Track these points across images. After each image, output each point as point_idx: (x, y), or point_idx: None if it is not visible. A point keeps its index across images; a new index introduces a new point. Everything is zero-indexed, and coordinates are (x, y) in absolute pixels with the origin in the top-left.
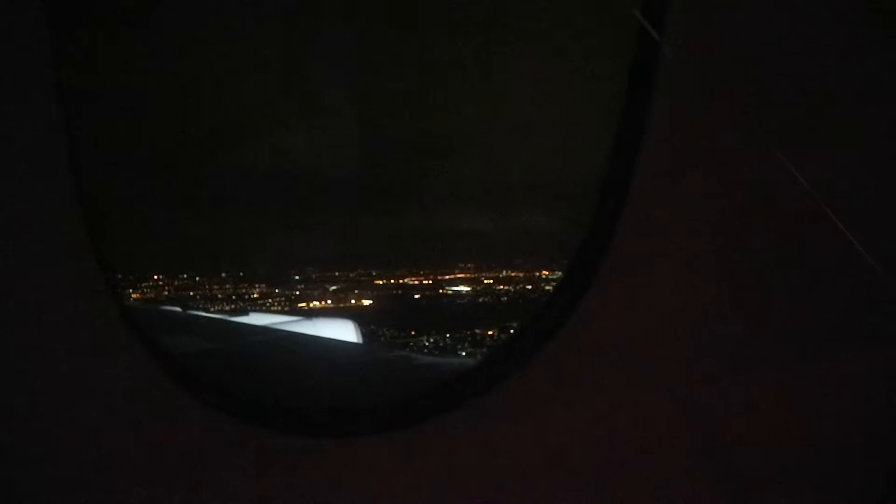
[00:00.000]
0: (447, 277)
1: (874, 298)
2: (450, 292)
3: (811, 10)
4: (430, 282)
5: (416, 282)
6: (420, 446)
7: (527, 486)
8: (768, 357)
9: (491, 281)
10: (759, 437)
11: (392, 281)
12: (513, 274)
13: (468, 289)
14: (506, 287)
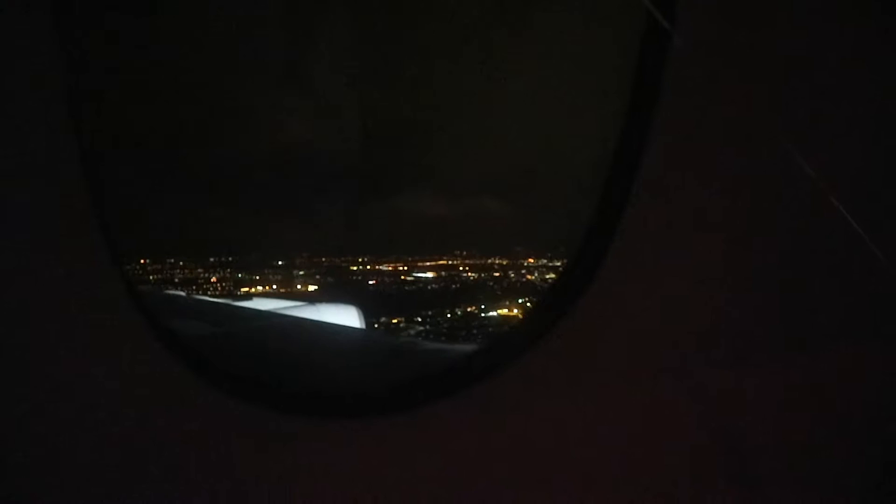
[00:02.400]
0: (427, 264)
1: (878, 293)
2: (409, 279)
3: (816, 5)
4: (405, 267)
5: (390, 268)
6: (423, 430)
7: (527, 472)
8: (771, 351)
9: (466, 268)
10: (761, 430)
11: (369, 268)
12: (498, 261)
13: (432, 276)
14: (473, 274)
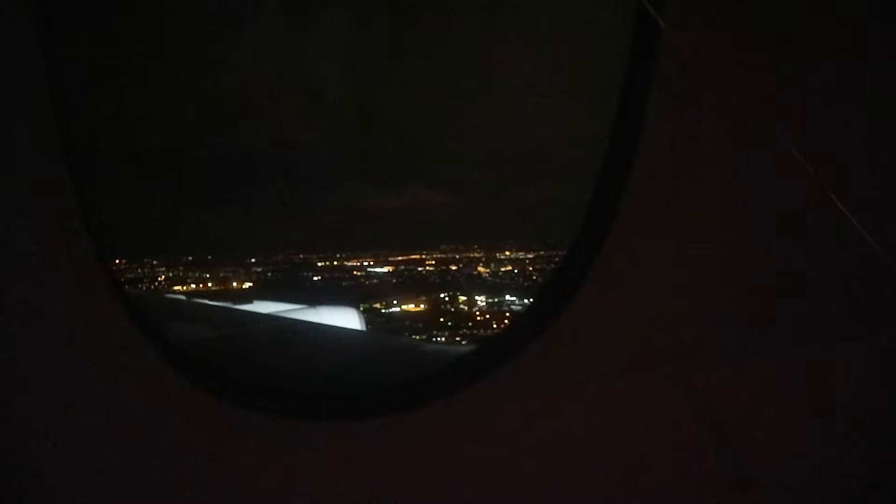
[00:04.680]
0: (399, 259)
1: (875, 294)
2: (359, 274)
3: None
4: (371, 262)
5: (356, 263)
6: (421, 430)
7: (525, 471)
8: (767, 351)
9: (431, 262)
10: (757, 430)
11: (336, 264)
12: (475, 255)
13: (387, 270)
14: (431, 269)
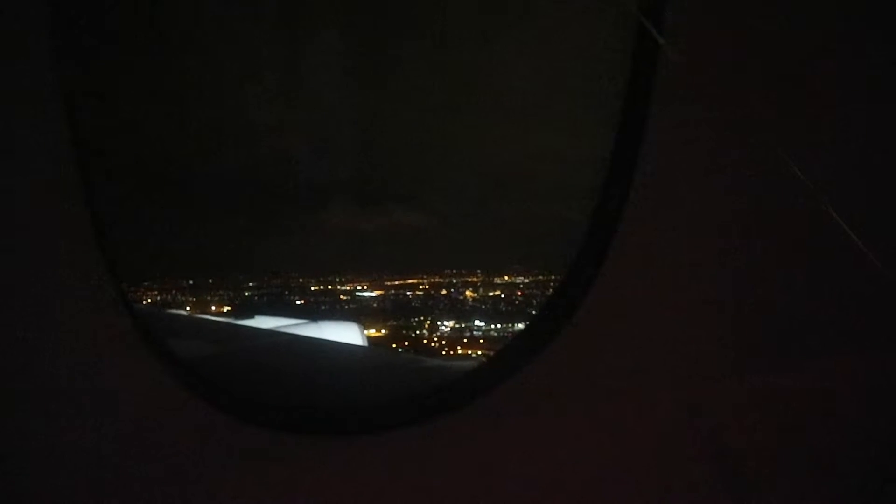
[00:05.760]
0: (396, 283)
1: (875, 298)
2: (344, 299)
3: (812, 9)
4: (365, 286)
5: (349, 287)
6: (423, 446)
7: (527, 485)
8: (770, 357)
9: (425, 286)
10: (760, 437)
11: (329, 287)
12: (474, 280)
13: (376, 294)
14: (420, 293)
